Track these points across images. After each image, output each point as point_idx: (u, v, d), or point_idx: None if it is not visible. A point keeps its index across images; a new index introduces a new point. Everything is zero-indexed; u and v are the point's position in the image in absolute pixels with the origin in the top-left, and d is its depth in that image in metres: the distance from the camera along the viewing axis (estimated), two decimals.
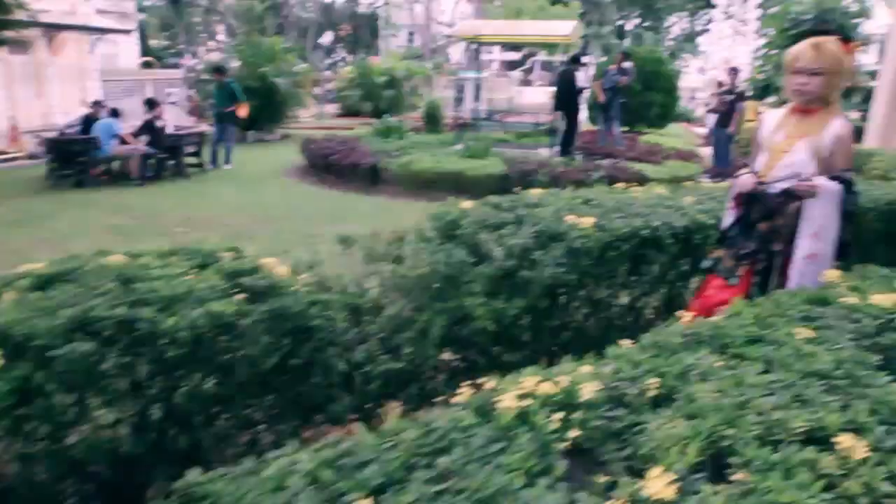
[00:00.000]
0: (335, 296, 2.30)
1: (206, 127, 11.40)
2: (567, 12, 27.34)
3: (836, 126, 2.54)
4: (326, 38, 28.42)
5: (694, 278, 3.77)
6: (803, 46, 2.54)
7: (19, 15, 13.44)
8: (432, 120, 12.81)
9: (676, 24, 47.04)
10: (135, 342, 1.77)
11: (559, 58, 20.60)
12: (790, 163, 2.55)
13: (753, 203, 2.63)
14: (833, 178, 2.49)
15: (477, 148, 8.87)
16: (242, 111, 11.01)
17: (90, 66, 18.35)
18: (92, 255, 2.36)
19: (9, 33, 14.24)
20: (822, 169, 2.51)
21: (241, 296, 2.03)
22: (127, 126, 10.19)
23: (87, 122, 9.96)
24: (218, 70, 11.49)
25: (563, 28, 11.58)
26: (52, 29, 16.87)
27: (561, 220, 2.81)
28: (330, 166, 9.29)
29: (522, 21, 16.37)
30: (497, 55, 48.08)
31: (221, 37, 47.97)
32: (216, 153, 10.60)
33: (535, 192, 3.44)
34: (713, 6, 41.30)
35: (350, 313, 2.39)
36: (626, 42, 39.60)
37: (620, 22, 44.03)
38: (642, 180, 8.11)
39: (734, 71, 11.27)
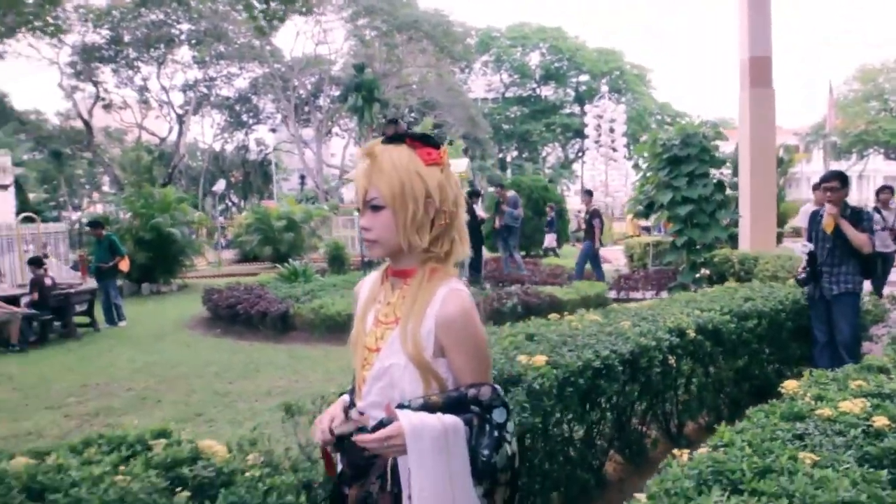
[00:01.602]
0: (289, 476, 2.02)
1: (94, 283, 10.68)
2: (452, 150, 29.12)
3: (440, 299, 1.38)
4: (219, 185, 28.35)
5: (642, 403, 3.76)
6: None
7: None
8: (336, 260, 12.75)
9: (551, 153, 51.29)
10: None
11: None
12: (381, 371, 1.42)
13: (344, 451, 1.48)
14: (448, 402, 1.35)
15: None
16: (124, 265, 10.44)
17: None
18: None
19: None
20: (427, 382, 1.38)
21: (185, 494, 1.73)
22: (3, 287, 9.35)
23: None
24: (95, 224, 10.94)
25: (460, 165, 12.27)
26: None
27: (515, 362, 2.71)
28: (236, 316, 8.85)
29: None
30: None
31: (106, 188, 46.91)
32: (111, 310, 9.88)
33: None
34: (584, 136, 45.57)
35: (305, 491, 2.11)
36: (508, 172, 42.41)
37: (500, 155, 47.43)
38: (555, 304, 8.31)
39: (588, 193, 12.36)
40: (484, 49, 47.17)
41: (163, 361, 7.45)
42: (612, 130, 22.24)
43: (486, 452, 1.33)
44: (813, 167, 41.85)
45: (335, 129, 43.71)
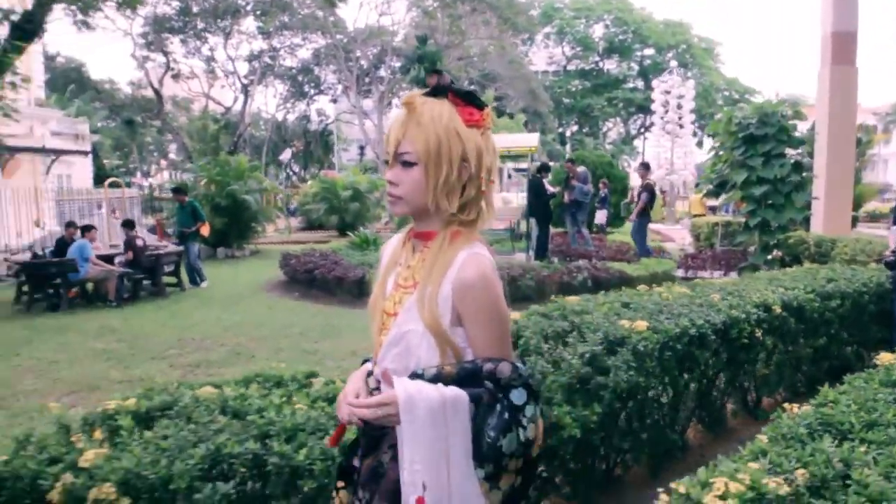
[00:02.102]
0: None
1: (172, 246, 11.33)
2: (512, 123, 29.01)
3: (459, 263, 1.32)
4: (286, 154, 29.10)
5: (725, 374, 3.91)
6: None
7: None
8: None
9: (613, 128, 50.35)
10: (265, 478, 1.72)
11: (511, 166, 21.61)
12: (397, 337, 1.36)
13: None
14: (461, 374, 1.29)
15: None
16: (205, 230, 11.02)
17: (44, 188, 18.26)
18: (176, 386, 2.31)
19: None
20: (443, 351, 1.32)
21: None
22: (101, 247, 10.05)
23: (61, 244, 9.80)
24: (178, 190, 11.56)
25: (531, 139, 12.34)
26: (7, 151, 16.86)
27: (618, 325, 2.91)
28: (313, 280, 9.28)
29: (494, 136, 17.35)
30: None
31: (173, 155, 48.64)
32: (193, 272, 10.49)
33: (572, 300, 3.56)
34: (647, 111, 44.50)
35: None
36: (568, 147, 41.96)
37: (560, 129, 46.90)
38: (624, 279, 8.41)
39: (644, 167, 12.23)
40: (546, 21, 46.40)
41: (248, 321, 7.93)
42: (679, 107, 21.74)
43: (492, 434, 1.23)
44: (892, 149, 39.90)
45: (395, 101, 44.00)
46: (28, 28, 13.30)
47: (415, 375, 1.29)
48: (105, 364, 6.26)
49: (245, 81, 41.39)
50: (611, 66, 49.24)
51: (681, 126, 22.13)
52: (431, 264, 1.34)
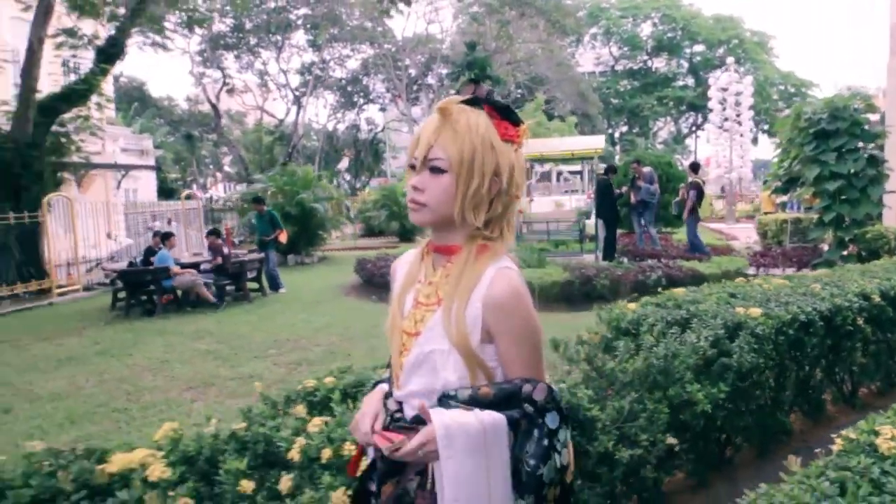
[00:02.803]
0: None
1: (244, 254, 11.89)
2: (564, 126, 29.07)
3: (488, 279, 1.26)
4: (343, 163, 29.83)
5: (826, 361, 4.06)
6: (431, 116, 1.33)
7: (74, 157, 14.39)
8: None
9: (663, 128, 49.72)
10: None
11: (569, 168, 21.73)
12: (420, 358, 1.30)
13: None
14: (499, 396, 1.23)
15: (531, 257, 9.31)
16: (283, 237, 11.56)
17: (115, 201, 19.29)
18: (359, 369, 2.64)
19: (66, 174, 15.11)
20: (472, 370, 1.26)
21: None
22: (187, 255, 10.68)
23: (149, 252, 10.47)
24: (258, 200, 12.14)
25: (596, 142, 12.53)
26: (88, 168, 17.86)
27: (733, 312, 3.13)
28: (388, 284, 9.65)
29: (557, 138, 17.53)
30: None
31: (227, 168, 50.20)
32: (274, 278, 11.02)
33: (679, 291, 3.78)
34: (699, 109, 43.84)
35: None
36: (617, 148, 41.66)
37: (609, 130, 46.58)
38: (697, 277, 8.51)
39: (692, 167, 12.25)
40: (593, 21, 46.25)
41: (335, 322, 8.34)
42: (737, 104, 21.45)
43: (531, 462, 1.19)
44: None
45: None
46: (112, 52, 14.19)
47: (446, 397, 1.23)
48: (213, 363, 6.73)
49: (297, 93, 42.59)
50: (659, 64, 48.72)
51: (739, 123, 21.82)
52: (457, 280, 1.27)
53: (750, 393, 3.24)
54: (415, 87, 42.79)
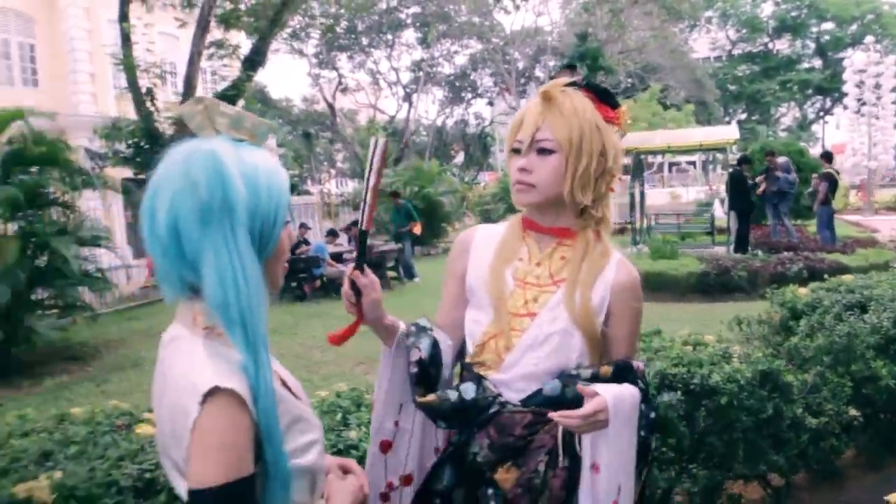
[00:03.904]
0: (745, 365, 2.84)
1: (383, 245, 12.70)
2: (681, 116, 28.27)
3: (614, 265, 1.37)
4: (459, 158, 30.58)
5: None
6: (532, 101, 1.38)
7: None
8: None
9: (786, 114, 46.92)
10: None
11: (687, 158, 21.19)
12: (539, 338, 1.33)
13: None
14: (616, 373, 1.32)
15: (664, 249, 9.41)
16: (417, 229, 12.24)
17: None
18: None
19: None
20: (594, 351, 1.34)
21: None
22: (332, 246, 11.64)
23: (296, 244, 11.52)
24: (395, 194, 12.92)
25: (730, 132, 12.32)
26: None
27: None
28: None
29: (688, 129, 17.30)
30: None
31: (340, 164, 52.44)
32: (409, 267, 11.74)
33: (847, 278, 3.93)
34: (827, 93, 41.06)
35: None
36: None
37: (727, 119, 44.56)
38: (840, 269, 8.30)
39: (823, 156, 11.77)
40: (708, 4, 44.30)
41: None
42: (877, 86, 20.02)
43: (643, 433, 1.28)
44: None
45: None
46: (256, 59, 15.47)
47: (568, 376, 1.28)
48: (372, 342, 7.30)
49: (407, 90, 43.86)
50: (782, 46, 45.94)
51: (878, 107, 20.36)
52: (580, 264, 1.32)
53: None
54: (523, 80, 42.88)
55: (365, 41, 41.33)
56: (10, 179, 6.79)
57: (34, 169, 7.14)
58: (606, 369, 1.30)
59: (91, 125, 14.65)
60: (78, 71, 17.72)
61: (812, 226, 14.67)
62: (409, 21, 40.93)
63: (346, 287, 1.34)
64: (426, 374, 1.35)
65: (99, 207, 9.99)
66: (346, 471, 1.18)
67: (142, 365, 6.58)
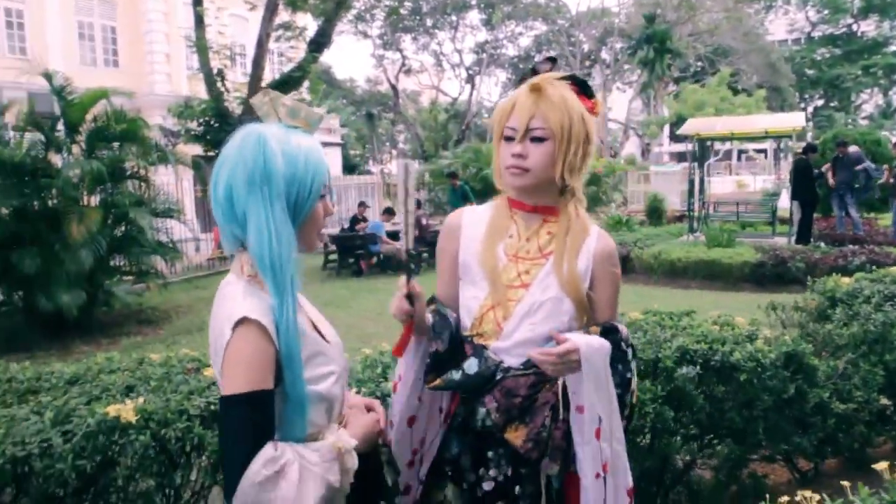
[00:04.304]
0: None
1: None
2: (751, 101, 27.28)
3: (595, 236, 1.52)
4: None
5: None
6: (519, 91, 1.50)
7: None
8: (655, 212, 13.48)
9: (868, 100, 44.52)
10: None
11: (756, 146, 20.52)
12: (534, 306, 1.47)
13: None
14: (602, 333, 1.47)
15: (720, 237, 9.29)
16: None
17: None
18: None
19: None
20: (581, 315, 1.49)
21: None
22: (389, 224, 11.99)
23: (354, 220, 11.88)
24: (453, 175, 13.09)
25: (795, 119, 11.94)
26: None
27: None
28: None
29: (753, 116, 16.84)
30: (666, 147, 48.24)
31: (402, 145, 52.98)
32: None
33: (893, 270, 3.91)
34: None
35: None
36: (810, 125, 38.08)
37: (802, 105, 42.63)
38: None
39: None
40: None
41: None
42: None
43: (620, 368, 1.44)
44: None
45: (617, 84, 43.35)
46: (321, 41, 15.86)
47: None
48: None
49: (470, 72, 43.79)
50: (868, 28, 43.43)
51: None
52: (565, 238, 1.46)
53: None
54: (587, 63, 42.16)
55: (429, 22, 41.39)
56: (94, 154, 7.32)
57: (115, 145, 7.65)
58: (595, 329, 1.45)
59: (165, 104, 15.43)
60: (154, 52, 18.57)
61: (885, 219, 14.09)
62: (473, 2, 40.72)
63: (401, 302, 1.43)
64: (440, 362, 1.48)
65: (171, 182, 10.54)
66: (369, 409, 1.39)
67: (206, 329, 7.00)
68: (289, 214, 1.19)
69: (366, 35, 39.48)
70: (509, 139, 1.46)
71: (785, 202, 12.40)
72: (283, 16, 15.78)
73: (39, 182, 6.85)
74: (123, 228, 7.64)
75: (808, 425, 2.81)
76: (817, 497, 1.17)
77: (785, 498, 1.09)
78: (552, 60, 1.54)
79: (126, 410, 1.65)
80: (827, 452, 3.04)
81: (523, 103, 1.44)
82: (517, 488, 1.44)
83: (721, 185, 25.77)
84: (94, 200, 7.45)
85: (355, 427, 1.29)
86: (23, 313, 7.02)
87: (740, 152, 31.27)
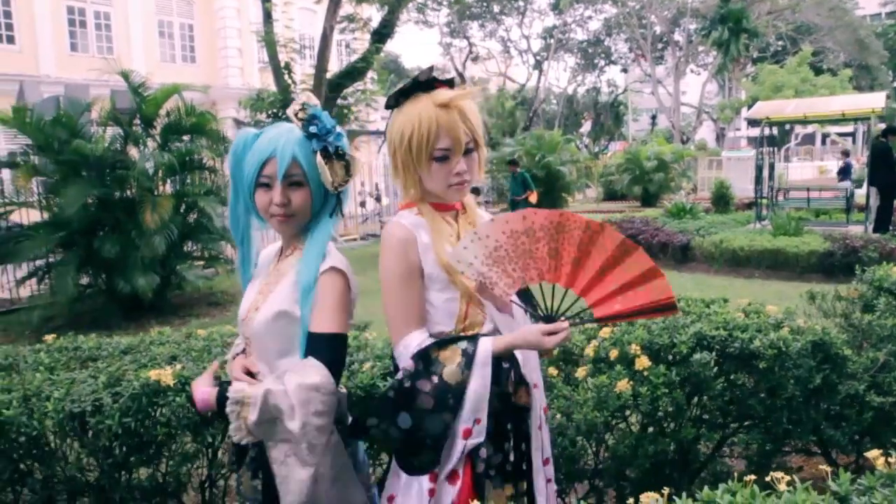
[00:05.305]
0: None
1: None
2: (835, 82, 25.75)
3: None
4: (586, 126, 30.01)
5: None
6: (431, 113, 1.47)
7: (352, 125, 16.75)
8: (722, 199, 13.08)
9: None
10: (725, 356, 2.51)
11: (837, 129, 19.42)
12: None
13: None
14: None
15: (788, 225, 8.94)
16: (533, 198, 12.35)
17: (376, 164, 21.89)
18: None
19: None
20: None
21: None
22: None
23: None
24: (513, 162, 13.08)
25: (875, 100, 11.25)
26: (358, 134, 20.46)
27: None
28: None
29: (828, 97, 16.04)
30: (743, 132, 46.25)
31: None
32: None
33: None
34: None
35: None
36: None
37: (895, 84, 39.90)
38: None
39: None
40: None
41: None
42: None
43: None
44: None
45: (691, 66, 41.87)
46: (384, 32, 16.09)
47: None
48: None
49: (538, 58, 43.28)
50: None
51: None
52: (478, 222, 1.60)
53: None
54: (659, 46, 40.91)
55: (496, 9, 41.13)
56: (167, 147, 7.78)
57: (186, 137, 8.11)
58: None
59: (238, 97, 16.06)
60: (228, 47, 19.36)
61: None
62: None
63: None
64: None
65: None
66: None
67: None
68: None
69: (427, 24, 39.59)
70: (443, 159, 1.47)
71: (860, 189, 11.77)
72: (348, 7, 16.10)
73: (118, 174, 7.34)
74: (194, 216, 8.09)
75: (843, 418, 2.76)
76: (787, 478, 1.24)
77: (752, 477, 1.15)
78: (431, 70, 1.53)
79: (166, 375, 1.86)
80: (867, 447, 2.97)
81: (452, 122, 1.46)
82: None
83: (801, 171, 24.56)
84: (167, 190, 7.91)
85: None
86: (105, 295, 7.57)
87: (824, 136, 29.57)
